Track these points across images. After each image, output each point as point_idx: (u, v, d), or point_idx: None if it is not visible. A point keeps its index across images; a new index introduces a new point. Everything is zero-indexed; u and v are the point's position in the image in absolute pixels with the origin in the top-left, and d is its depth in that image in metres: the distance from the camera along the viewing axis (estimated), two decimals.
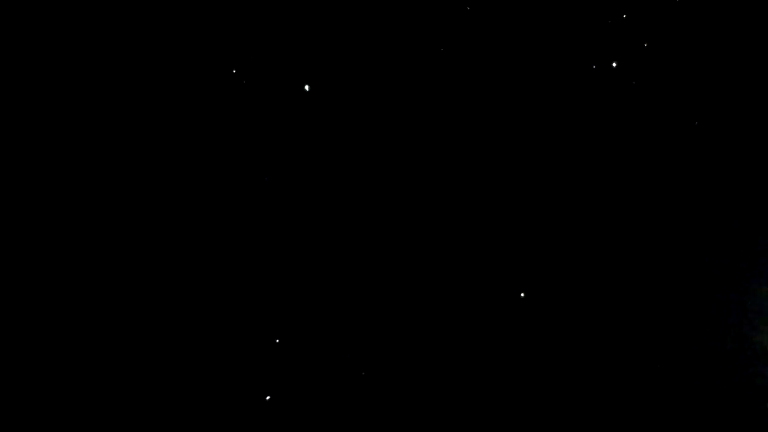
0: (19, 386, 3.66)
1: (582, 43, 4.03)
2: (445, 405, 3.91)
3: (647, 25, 4.01)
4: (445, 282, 3.97)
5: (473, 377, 3.92)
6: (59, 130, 3.82)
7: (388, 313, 3.94)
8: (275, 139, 3.96)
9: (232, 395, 3.82)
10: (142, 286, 3.83)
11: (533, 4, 4.02)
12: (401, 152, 4.02)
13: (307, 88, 3.95)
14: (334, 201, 3.97)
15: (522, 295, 3.95)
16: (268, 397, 3.82)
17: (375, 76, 4.01)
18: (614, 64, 4.00)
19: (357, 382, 3.87)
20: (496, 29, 4.03)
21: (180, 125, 3.91)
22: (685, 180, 4.01)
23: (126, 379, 3.75)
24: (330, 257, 3.95)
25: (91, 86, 3.85)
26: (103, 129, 3.86)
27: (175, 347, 3.81)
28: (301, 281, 3.93)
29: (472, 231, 4.00)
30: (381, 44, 4.00)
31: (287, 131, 3.98)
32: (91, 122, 3.84)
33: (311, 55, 3.99)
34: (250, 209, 3.93)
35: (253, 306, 3.90)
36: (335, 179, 3.98)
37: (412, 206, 3.99)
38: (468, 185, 4.01)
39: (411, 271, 3.96)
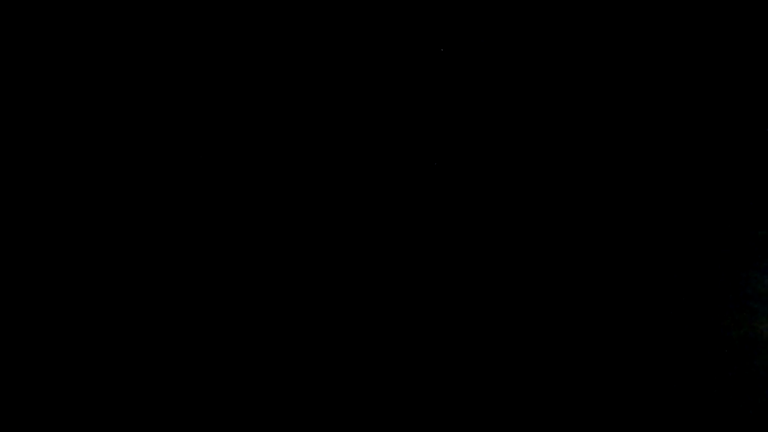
0: (19, 386, 3.67)
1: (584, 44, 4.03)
2: (444, 405, 3.90)
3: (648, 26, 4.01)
4: (444, 282, 3.97)
5: (473, 377, 3.92)
6: (59, 130, 3.83)
7: (388, 313, 3.94)
8: (276, 139, 3.97)
9: (232, 395, 3.82)
10: (142, 285, 3.83)
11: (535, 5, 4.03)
12: (401, 152, 4.02)
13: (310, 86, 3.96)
14: (334, 201, 3.97)
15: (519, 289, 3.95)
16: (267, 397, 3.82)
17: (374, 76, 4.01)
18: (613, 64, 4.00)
19: (357, 382, 3.87)
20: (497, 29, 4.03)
21: (180, 125, 3.92)
22: (685, 168, 4.01)
23: (126, 379, 3.76)
24: (330, 257, 3.95)
25: (91, 86, 3.86)
26: (102, 129, 3.86)
27: (175, 347, 3.82)
28: (302, 281, 3.93)
29: (472, 231, 4.00)
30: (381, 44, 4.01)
31: (288, 131, 3.98)
32: (91, 122, 3.85)
33: (312, 54, 3.99)
34: (250, 209, 3.93)
35: (254, 306, 3.90)
36: (335, 179, 3.98)
37: (412, 206, 3.99)
38: (468, 185, 4.01)
39: (411, 271, 3.96)
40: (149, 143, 3.89)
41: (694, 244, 3.97)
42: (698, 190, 3.99)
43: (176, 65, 3.91)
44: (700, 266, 3.96)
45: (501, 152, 4.03)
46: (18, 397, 3.66)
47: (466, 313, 3.97)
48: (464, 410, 3.90)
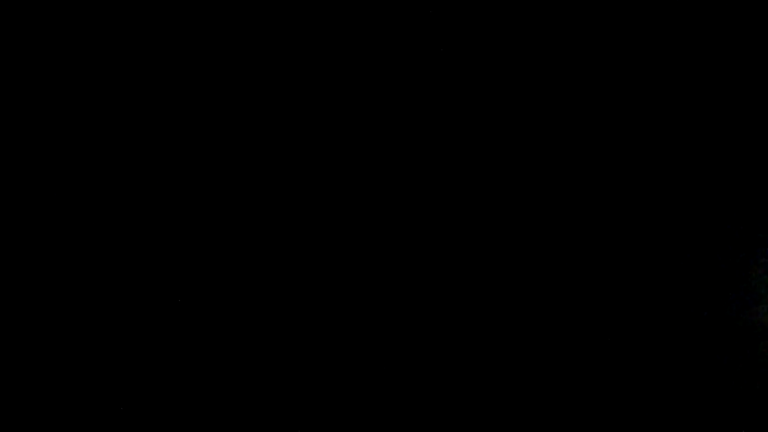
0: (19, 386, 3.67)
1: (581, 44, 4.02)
2: (443, 405, 3.90)
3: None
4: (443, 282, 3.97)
5: (472, 377, 3.92)
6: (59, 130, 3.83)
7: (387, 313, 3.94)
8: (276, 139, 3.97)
9: (232, 395, 3.82)
10: (142, 286, 3.84)
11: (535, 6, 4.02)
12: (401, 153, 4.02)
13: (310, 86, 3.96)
14: (334, 201, 3.97)
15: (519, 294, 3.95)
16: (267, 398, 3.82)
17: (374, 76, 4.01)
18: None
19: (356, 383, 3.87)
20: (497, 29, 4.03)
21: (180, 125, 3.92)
22: (683, 161, 4.01)
23: (126, 380, 3.76)
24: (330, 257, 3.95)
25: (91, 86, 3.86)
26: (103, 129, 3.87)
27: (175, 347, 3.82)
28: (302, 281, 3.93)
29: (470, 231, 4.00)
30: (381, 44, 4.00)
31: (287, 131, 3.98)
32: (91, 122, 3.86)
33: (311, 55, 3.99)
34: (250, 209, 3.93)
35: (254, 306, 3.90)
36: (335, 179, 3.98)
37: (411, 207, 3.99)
38: (467, 185, 4.01)
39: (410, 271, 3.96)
40: (148, 143, 3.89)
41: (697, 232, 3.96)
42: (701, 180, 3.98)
43: (176, 65, 3.91)
44: (704, 253, 3.95)
45: (500, 152, 4.03)
46: (18, 397, 3.66)
47: (466, 312, 3.97)
48: (463, 410, 3.90)
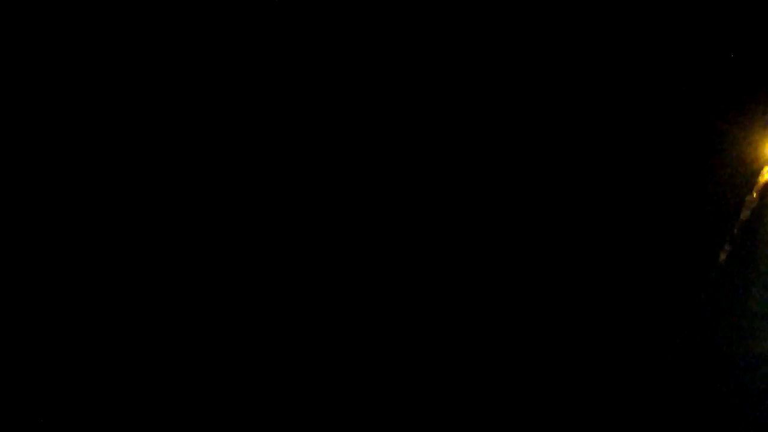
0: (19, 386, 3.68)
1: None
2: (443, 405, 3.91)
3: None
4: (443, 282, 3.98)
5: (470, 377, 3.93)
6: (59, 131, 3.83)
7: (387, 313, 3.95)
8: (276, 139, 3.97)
9: (232, 395, 3.83)
10: (142, 286, 3.84)
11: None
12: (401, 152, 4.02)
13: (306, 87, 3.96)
14: (334, 201, 3.98)
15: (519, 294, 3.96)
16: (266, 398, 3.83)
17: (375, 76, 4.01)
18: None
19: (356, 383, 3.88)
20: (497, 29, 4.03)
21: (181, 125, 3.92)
22: (684, 184, 4.01)
23: (126, 379, 3.77)
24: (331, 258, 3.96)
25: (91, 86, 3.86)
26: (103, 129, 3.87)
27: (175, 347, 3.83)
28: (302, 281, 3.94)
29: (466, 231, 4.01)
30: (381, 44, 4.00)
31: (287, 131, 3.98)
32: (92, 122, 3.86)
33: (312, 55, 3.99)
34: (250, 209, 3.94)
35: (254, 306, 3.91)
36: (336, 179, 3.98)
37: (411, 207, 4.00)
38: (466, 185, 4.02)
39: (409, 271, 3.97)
40: (148, 143, 3.89)
41: (697, 261, 3.97)
42: (704, 207, 3.99)
43: (176, 65, 3.91)
44: (704, 283, 3.96)
45: (497, 152, 4.03)
46: (18, 397, 3.67)
47: (463, 312, 3.98)
48: (461, 410, 3.91)
